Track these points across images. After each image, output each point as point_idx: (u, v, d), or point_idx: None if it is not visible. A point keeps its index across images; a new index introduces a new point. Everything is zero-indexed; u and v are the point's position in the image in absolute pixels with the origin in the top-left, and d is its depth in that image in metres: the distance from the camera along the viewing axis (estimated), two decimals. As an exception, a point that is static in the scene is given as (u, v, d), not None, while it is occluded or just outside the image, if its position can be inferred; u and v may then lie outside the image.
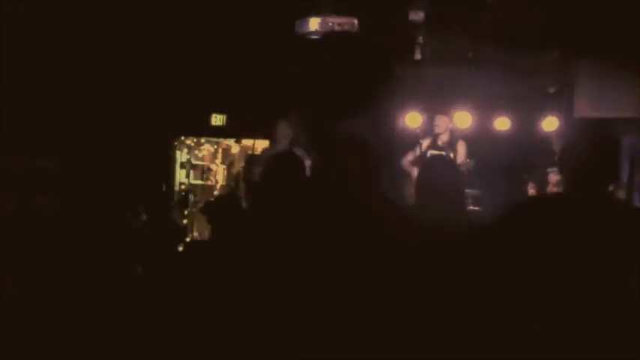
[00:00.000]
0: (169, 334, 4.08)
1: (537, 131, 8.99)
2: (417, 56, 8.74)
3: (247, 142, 9.93)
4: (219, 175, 11.31)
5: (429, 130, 8.57)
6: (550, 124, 8.96)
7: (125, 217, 8.18)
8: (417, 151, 8.40)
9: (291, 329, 1.27)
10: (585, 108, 8.84)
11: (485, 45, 8.51)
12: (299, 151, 8.42)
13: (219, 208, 5.10)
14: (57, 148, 8.40)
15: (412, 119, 8.88)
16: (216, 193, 11.44)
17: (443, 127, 8.37)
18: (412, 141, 8.56)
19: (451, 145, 8.29)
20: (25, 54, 8.00)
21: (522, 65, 8.66)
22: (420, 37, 8.63)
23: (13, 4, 7.45)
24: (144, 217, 9.01)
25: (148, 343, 4.29)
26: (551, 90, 9.17)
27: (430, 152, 8.02)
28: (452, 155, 7.86)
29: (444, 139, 8.36)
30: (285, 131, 8.02)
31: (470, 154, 8.27)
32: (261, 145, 9.63)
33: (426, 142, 8.47)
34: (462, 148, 8.32)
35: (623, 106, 8.75)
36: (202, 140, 11.78)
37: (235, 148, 11.49)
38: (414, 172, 7.12)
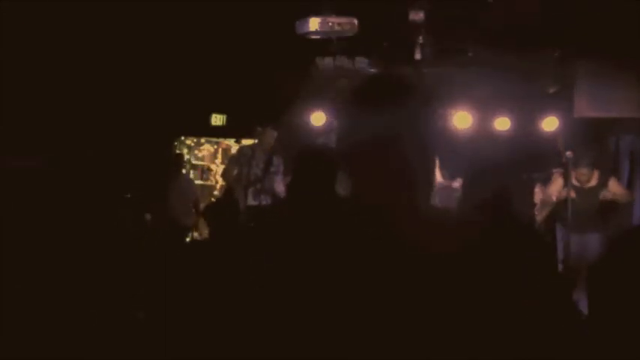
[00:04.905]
0: (169, 334, 4.08)
1: (537, 131, 8.98)
2: (417, 56, 8.74)
3: (247, 142, 9.93)
4: (219, 175, 11.31)
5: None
6: (550, 124, 8.96)
7: (125, 217, 8.18)
8: None
9: (293, 329, 1.27)
10: (585, 108, 8.84)
11: (485, 45, 8.50)
12: (278, 159, 8.62)
13: (218, 209, 5.11)
14: (57, 148, 8.40)
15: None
16: (216, 193, 11.45)
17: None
18: None
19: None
20: (25, 54, 8.00)
21: (522, 65, 8.66)
22: (420, 37, 8.62)
23: (12, 4, 7.45)
24: (146, 217, 9.01)
25: (147, 343, 4.29)
26: (551, 90, 9.16)
27: None
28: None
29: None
30: (270, 137, 8.57)
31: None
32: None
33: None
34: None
35: (622, 106, 8.74)
36: (202, 140, 11.80)
37: (235, 148, 11.50)
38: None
